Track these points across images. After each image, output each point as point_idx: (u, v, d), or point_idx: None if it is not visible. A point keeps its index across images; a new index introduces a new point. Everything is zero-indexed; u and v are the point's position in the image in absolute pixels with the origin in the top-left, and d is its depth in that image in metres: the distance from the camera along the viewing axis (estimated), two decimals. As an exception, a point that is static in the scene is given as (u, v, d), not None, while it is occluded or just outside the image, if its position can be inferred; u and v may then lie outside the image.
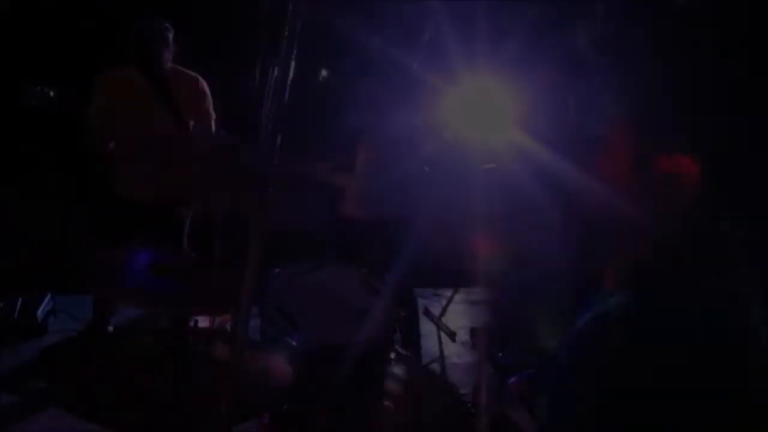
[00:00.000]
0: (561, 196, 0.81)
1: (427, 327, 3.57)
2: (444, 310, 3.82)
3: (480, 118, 2.11)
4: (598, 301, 0.79)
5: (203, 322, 3.04)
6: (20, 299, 3.77)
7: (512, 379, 2.05)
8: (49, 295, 3.91)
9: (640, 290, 0.76)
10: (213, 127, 3.60)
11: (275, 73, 1.17)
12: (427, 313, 3.48)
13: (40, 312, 3.79)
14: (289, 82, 1.17)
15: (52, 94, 3.24)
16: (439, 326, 3.52)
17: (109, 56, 3.49)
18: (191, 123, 3.46)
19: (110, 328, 3.59)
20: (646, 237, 0.75)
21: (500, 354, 2.43)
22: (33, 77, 3.36)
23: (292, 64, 1.17)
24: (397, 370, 2.04)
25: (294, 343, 2.03)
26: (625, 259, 0.80)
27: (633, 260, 0.79)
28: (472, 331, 3.72)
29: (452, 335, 3.52)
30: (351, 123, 3.19)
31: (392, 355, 2.30)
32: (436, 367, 2.74)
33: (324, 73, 4.98)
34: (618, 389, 0.70)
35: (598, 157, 0.77)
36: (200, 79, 3.54)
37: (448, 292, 3.92)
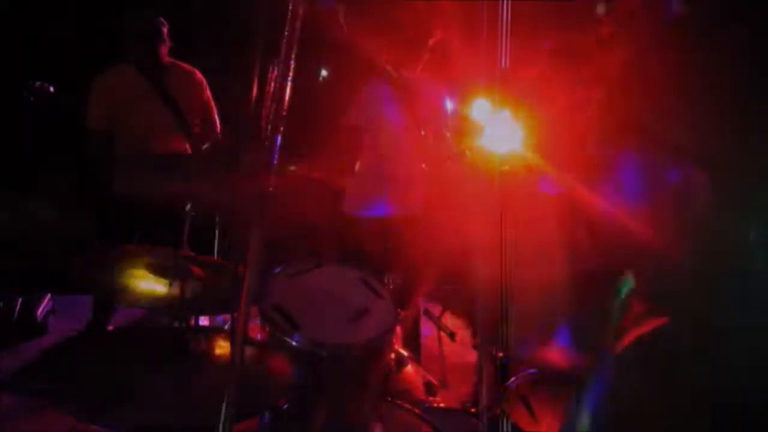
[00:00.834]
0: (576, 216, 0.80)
1: (427, 327, 3.57)
2: (444, 310, 3.82)
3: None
4: (632, 324, 0.78)
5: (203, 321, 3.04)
6: (20, 299, 3.77)
7: (512, 379, 2.05)
8: (49, 295, 3.91)
9: (675, 311, 0.74)
10: (216, 118, 3.64)
11: (275, 72, 1.17)
12: (427, 313, 3.48)
13: (40, 312, 3.78)
14: (289, 82, 1.17)
15: (52, 89, 3.24)
16: (439, 326, 3.52)
17: (108, 55, 3.50)
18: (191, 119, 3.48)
19: (110, 328, 3.59)
20: (668, 254, 0.73)
21: (500, 354, 2.42)
22: (33, 75, 3.36)
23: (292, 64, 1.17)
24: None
25: (294, 343, 2.03)
26: (647, 276, 0.78)
27: (658, 277, 0.77)
28: (472, 332, 3.72)
29: (452, 335, 3.52)
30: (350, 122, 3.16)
31: (392, 355, 2.30)
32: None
33: (324, 72, 4.97)
34: (664, 409, 0.68)
35: (612, 175, 0.76)
36: (197, 71, 3.58)
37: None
